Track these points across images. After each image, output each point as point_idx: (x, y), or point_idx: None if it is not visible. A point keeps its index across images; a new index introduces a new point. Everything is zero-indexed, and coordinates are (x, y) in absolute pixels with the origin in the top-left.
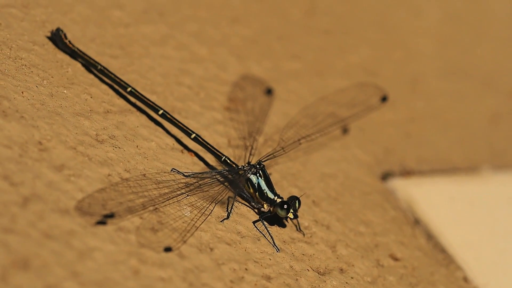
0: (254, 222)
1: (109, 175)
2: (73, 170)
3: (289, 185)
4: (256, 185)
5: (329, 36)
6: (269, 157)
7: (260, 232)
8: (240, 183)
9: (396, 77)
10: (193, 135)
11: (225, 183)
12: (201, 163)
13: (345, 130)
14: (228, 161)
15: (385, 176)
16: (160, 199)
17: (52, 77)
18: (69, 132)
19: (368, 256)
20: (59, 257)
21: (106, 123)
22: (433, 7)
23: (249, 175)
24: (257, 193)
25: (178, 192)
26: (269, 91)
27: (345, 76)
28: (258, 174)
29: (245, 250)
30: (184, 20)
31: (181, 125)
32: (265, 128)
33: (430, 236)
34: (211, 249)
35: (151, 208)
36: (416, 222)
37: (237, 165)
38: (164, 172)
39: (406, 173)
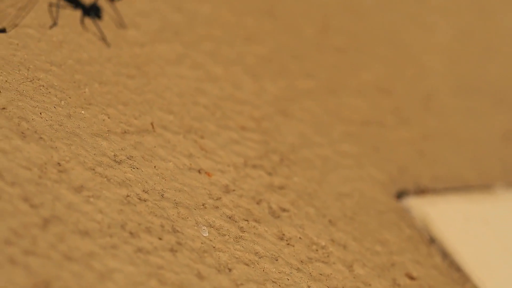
0: (81, 22)
1: (127, 196)
2: (92, 191)
3: (306, 204)
4: None
5: (342, 54)
6: None
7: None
8: None
9: (409, 95)
10: None
11: None
12: None
13: None
14: None
15: (400, 195)
16: (178, 219)
17: (69, 97)
18: (87, 153)
19: (384, 276)
20: (80, 279)
21: (123, 144)
22: (444, 24)
23: None
24: None
25: (196, 212)
26: None
27: (359, 93)
28: None
29: (263, 270)
30: (199, 39)
31: None
32: (280, 147)
33: (445, 255)
34: (230, 270)
35: (169, 228)
36: (432, 240)
37: None
38: (181, 192)
39: (421, 191)
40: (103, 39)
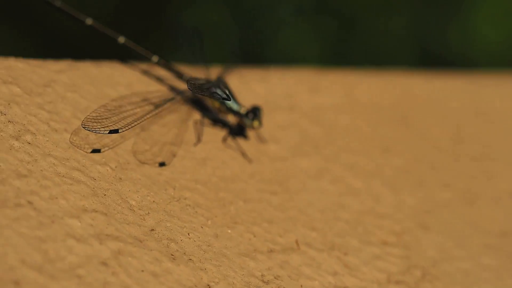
0: (224, 140)
1: None
2: None
3: None
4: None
5: (477, 162)
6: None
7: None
8: (205, 100)
9: None
10: (156, 58)
11: (190, 104)
12: (166, 89)
13: None
14: (193, 81)
15: None
16: None
17: (216, 216)
18: (235, 274)
19: None
20: None
21: (270, 263)
22: None
23: (213, 90)
24: (223, 107)
25: None
26: None
27: (495, 203)
28: (221, 88)
29: None
30: (338, 151)
31: (143, 49)
32: (421, 262)
33: None
34: None
35: None
36: None
37: (201, 84)
38: None
39: None
40: (245, 155)
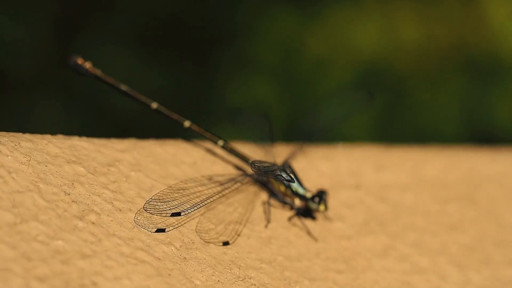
0: (289, 219)
1: None
2: None
3: None
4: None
5: None
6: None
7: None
8: (270, 183)
9: None
10: (222, 142)
11: (255, 185)
12: (231, 169)
13: None
14: (257, 163)
15: None
16: None
17: None
18: None
19: None
20: None
21: None
22: None
23: (278, 172)
24: (288, 191)
25: None
26: None
27: None
28: (287, 172)
29: None
30: (403, 229)
31: (209, 133)
32: None
33: None
34: None
35: None
36: None
37: (266, 167)
38: None
39: None
40: (310, 233)
